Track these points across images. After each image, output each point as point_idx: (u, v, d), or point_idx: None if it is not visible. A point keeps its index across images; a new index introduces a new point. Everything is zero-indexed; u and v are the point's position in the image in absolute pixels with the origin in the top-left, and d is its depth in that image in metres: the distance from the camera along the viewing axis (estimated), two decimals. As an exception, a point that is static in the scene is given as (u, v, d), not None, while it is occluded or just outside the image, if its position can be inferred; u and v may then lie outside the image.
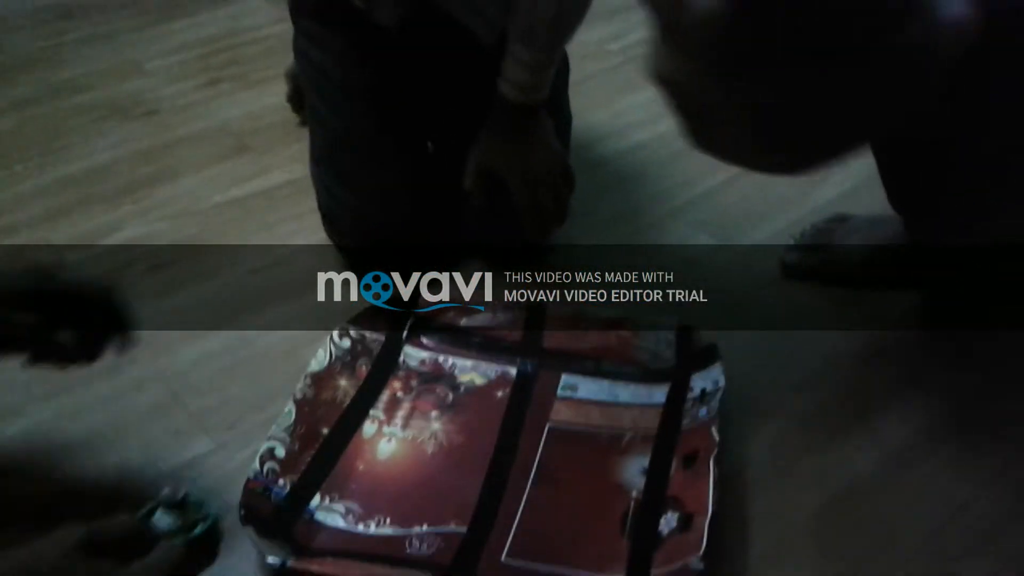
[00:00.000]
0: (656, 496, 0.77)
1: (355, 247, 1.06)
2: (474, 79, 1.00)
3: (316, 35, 1.06)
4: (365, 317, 0.94)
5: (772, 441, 0.86)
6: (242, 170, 1.27)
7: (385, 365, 0.92)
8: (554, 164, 1.01)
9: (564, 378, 0.91)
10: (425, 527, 0.76)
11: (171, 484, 0.67)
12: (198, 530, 0.68)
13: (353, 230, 1.05)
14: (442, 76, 1.05)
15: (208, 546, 0.69)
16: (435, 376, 0.92)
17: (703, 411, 0.82)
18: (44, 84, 1.52)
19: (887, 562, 0.75)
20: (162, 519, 0.66)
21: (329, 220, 1.08)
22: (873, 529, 0.78)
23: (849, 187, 1.20)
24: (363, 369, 0.91)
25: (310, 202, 1.11)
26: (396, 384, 0.91)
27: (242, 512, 0.72)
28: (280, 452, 0.80)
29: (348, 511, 0.77)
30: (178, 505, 0.67)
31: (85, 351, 0.62)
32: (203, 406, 0.89)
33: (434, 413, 0.87)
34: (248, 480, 0.76)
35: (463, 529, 0.76)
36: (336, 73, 1.04)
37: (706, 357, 0.87)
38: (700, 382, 0.86)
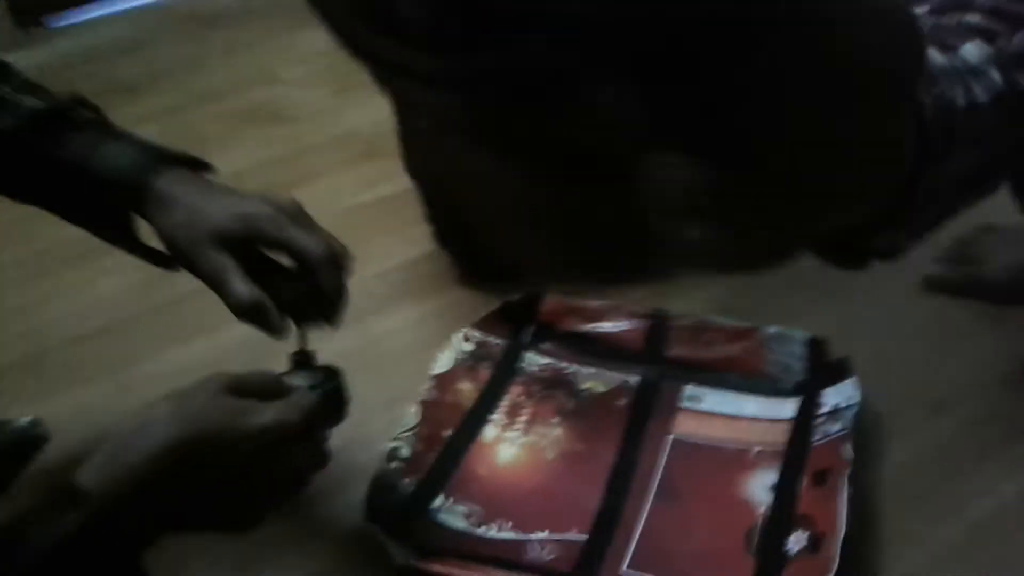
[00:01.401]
0: (784, 513, 0.75)
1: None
2: None
3: None
4: (488, 321, 0.95)
5: (909, 463, 0.82)
6: (371, 175, 1.30)
7: (506, 370, 0.93)
8: None
9: (688, 389, 0.89)
10: (546, 533, 0.76)
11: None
12: (330, 386, 0.69)
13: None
14: None
15: (338, 403, 0.70)
16: (556, 382, 0.91)
17: (836, 427, 0.79)
18: (187, 91, 1.59)
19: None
20: (297, 376, 0.68)
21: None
22: (1018, 564, 0.74)
23: (996, 196, 1.13)
24: (485, 373, 0.91)
25: (434, 207, 1.13)
26: (517, 389, 0.91)
27: (368, 508, 0.73)
28: (405, 452, 0.81)
29: (470, 513, 0.78)
30: (307, 365, 0.69)
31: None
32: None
33: (555, 419, 0.87)
34: (375, 477, 0.77)
35: (584, 537, 0.75)
36: None
37: (839, 371, 0.84)
38: (833, 397, 0.83)
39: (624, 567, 0.73)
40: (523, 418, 0.87)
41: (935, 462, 0.82)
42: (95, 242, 0.73)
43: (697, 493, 0.79)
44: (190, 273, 0.68)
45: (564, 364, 0.93)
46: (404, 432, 0.82)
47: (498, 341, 0.94)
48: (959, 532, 0.76)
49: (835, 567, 0.66)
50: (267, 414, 0.55)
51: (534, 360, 0.93)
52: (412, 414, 0.84)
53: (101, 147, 0.68)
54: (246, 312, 0.65)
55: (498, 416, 0.88)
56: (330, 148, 1.39)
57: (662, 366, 0.91)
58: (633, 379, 0.90)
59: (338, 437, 0.86)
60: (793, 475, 0.77)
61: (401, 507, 0.77)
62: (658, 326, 0.94)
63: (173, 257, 0.68)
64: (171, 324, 1.03)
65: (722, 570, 0.72)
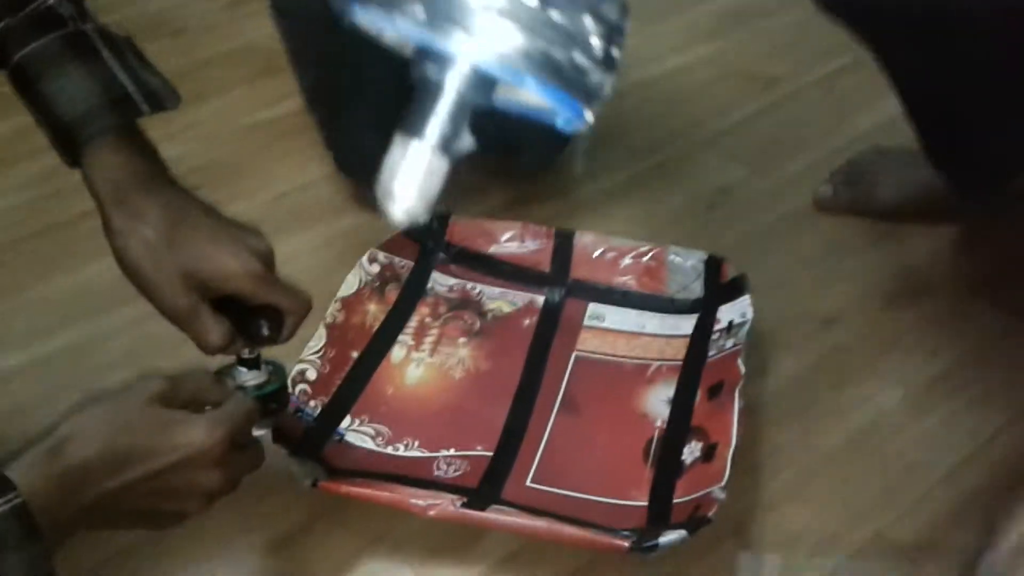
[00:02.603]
0: (680, 425, 0.78)
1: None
2: None
3: None
4: (395, 243, 0.94)
5: (797, 374, 0.86)
6: (271, 92, 1.26)
7: (414, 291, 0.93)
8: None
9: (591, 307, 0.91)
10: (452, 450, 0.77)
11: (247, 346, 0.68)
12: (269, 388, 0.69)
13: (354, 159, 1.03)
14: None
15: (280, 400, 0.70)
16: (463, 303, 0.92)
17: (730, 342, 0.82)
18: (72, 0, 1.50)
19: (909, 496, 0.76)
20: (237, 375, 0.68)
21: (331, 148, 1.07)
22: (895, 464, 0.79)
23: (887, 117, 1.17)
24: (392, 294, 0.91)
25: (339, 125, 1.10)
26: (424, 310, 0.91)
27: (274, 430, 0.74)
28: (311, 375, 0.81)
29: (378, 433, 0.79)
30: (252, 363, 0.68)
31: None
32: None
33: (462, 339, 0.88)
34: None
35: (489, 453, 0.77)
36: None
37: (734, 289, 0.87)
38: (728, 314, 0.86)
39: (528, 481, 0.75)
40: (430, 338, 0.88)
41: (820, 374, 0.86)
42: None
43: (599, 408, 0.81)
44: (141, 294, 0.63)
45: (471, 285, 0.93)
46: (310, 355, 0.82)
47: (405, 262, 0.94)
48: (840, 438, 0.81)
49: (727, 475, 0.69)
50: (196, 431, 0.55)
51: (442, 281, 0.94)
52: (318, 336, 0.84)
53: (50, 70, 0.61)
54: (214, 352, 0.64)
55: (405, 337, 0.88)
56: (226, 63, 1.33)
57: (567, 286, 0.93)
58: (539, 299, 0.91)
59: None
60: (689, 389, 0.81)
61: (306, 429, 0.77)
62: (563, 247, 0.95)
63: (123, 271, 0.63)
64: (61, 247, 0.99)
65: (621, 481, 0.75)
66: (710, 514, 0.67)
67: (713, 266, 0.91)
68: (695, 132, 1.17)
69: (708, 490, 0.69)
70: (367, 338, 0.86)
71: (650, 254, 0.93)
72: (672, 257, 0.92)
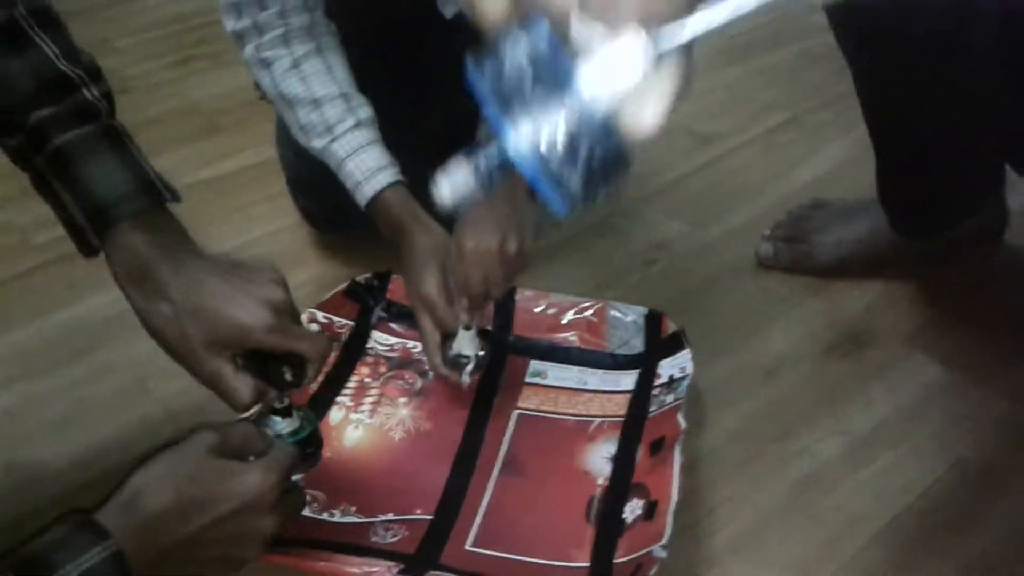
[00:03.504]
0: (622, 482, 0.77)
1: (319, 211, 1.05)
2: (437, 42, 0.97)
3: None
4: (333, 302, 0.94)
5: (738, 427, 0.86)
6: (213, 151, 1.26)
7: (353, 351, 0.92)
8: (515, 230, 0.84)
9: (533, 364, 0.91)
10: (391, 515, 0.76)
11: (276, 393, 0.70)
12: (304, 433, 0.70)
13: (316, 194, 1.03)
14: (406, 43, 1.03)
15: (315, 447, 0.71)
16: (404, 362, 0.91)
17: (670, 397, 0.83)
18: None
19: (850, 547, 0.76)
20: (272, 424, 0.69)
21: (294, 183, 1.08)
22: (836, 516, 0.79)
23: (825, 171, 1.20)
24: (331, 355, 0.90)
25: (281, 184, 1.10)
26: (364, 370, 0.90)
27: None
28: None
29: (313, 499, 0.77)
30: (285, 411, 0.70)
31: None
32: (170, 391, 0.88)
33: (402, 400, 0.87)
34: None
35: (429, 516, 0.76)
36: None
37: (674, 344, 0.88)
38: (668, 369, 0.86)
39: (468, 544, 0.74)
40: (370, 399, 0.87)
41: (761, 427, 0.86)
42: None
43: (541, 466, 0.81)
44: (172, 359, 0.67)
45: (412, 344, 0.93)
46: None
47: (344, 322, 0.94)
48: (781, 491, 0.81)
49: (668, 533, 0.69)
50: (253, 478, 0.59)
51: (382, 340, 0.93)
52: None
53: (89, 157, 0.65)
54: (247, 410, 0.67)
55: (344, 398, 0.87)
56: (171, 122, 1.33)
57: (508, 343, 0.92)
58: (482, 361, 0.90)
59: (179, 426, 0.84)
60: (631, 445, 0.80)
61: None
62: (505, 303, 0.95)
63: (155, 340, 0.66)
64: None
65: (563, 541, 0.74)
66: (651, 573, 0.66)
67: (653, 321, 0.92)
68: (634, 189, 1.19)
69: (649, 549, 0.68)
70: (305, 399, 0.85)
71: (591, 310, 0.94)
72: (612, 312, 0.93)
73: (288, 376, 0.69)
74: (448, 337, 0.84)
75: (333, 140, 0.88)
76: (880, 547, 0.76)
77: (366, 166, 0.87)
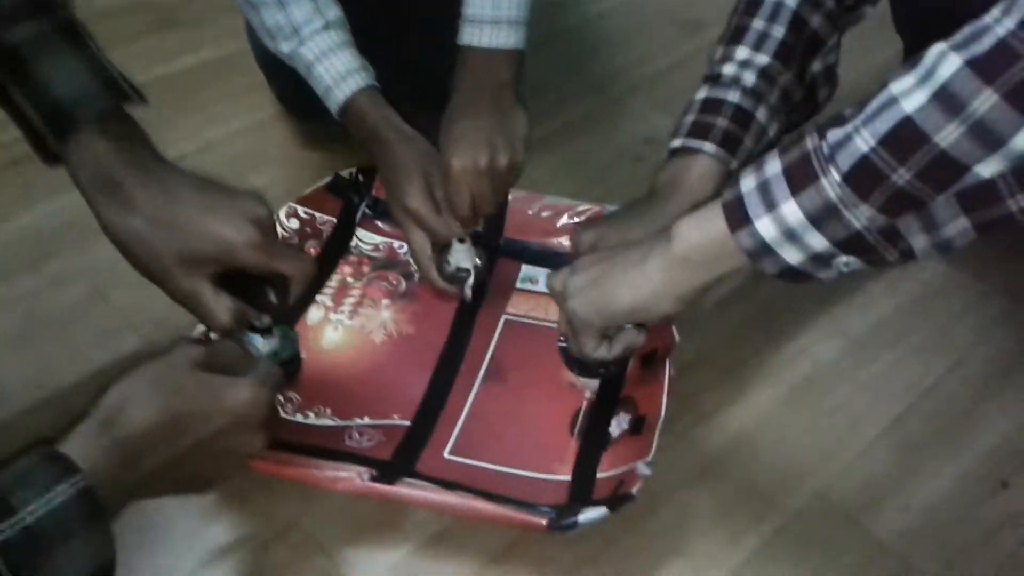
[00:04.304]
0: (610, 395, 0.74)
1: (295, 93, 0.97)
2: None
3: None
4: (315, 197, 0.89)
5: (733, 330, 0.82)
6: (169, 46, 1.17)
7: (336, 249, 0.88)
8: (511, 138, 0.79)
9: (524, 269, 0.86)
10: (367, 419, 0.73)
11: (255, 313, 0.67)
12: (285, 353, 0.69)
13: (291, 73, 0.97)
14: None
15: (294, 367, 0.70)
16: (389, 263, 0.87)
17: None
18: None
19: (851, 450, 0.74)
20: (253, 342, 0.67)
21: (266, 64, 1.00)
22: (836, 418, 0.76)
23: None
24: (312, 252, 0.86)
25: (244, 79, 1.04)
26: (347, 269, 0.86)
27: None
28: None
29: (287, 400, 0.74)
30: (266, 331, 0.67)
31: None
32: (130, 302, 0.83)
33: (385, 301, 0.83)
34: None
35: (406, 423, 0.73)
36: None
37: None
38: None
39: (446, 452, 0.71)
40: (351, 300, 0.83)
41: (758, 329, 0.83)
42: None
43: (526, 376, 0.77)
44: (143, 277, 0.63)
45: (399, 244, 0.88)
46: None
47: (327, 218, 0.89)
48: (780, 393, 0.78)
49: (653, 449, 0.66)
50: (243, 393, 0.56)
51: (367, 239, 0.88)
52: None
53: (45, 54, 0.59)
54: (226, 332, 0.64)
55: (324, 298, 0.83)
56: (121, 15, 1.23)
57: (499, 245, 0.88)
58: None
59: (141, 338, 0.81)
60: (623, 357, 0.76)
61: None
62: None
63: (126, 257, 0.62)
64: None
65: (544, 454, 0.71)
66: (634, 490, 0.63)
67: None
68: (620, 80, 1.12)
69: (633, 465, 0.66)
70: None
71: (587, 214, 0.88)
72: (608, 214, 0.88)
73: (272, 297, 0.66)
74: (441, 248, 0.80)
75: (301, 43, 0.81)
76: (882, 448, 0.74)
77: (336, 70, 0.81)
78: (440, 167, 0.78)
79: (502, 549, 0.66)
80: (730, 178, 0.74)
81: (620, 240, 0.69)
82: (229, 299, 0.63)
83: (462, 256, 0.80)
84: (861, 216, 0.53)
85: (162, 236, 0.60)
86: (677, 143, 0.74)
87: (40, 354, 0.80)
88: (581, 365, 0.74)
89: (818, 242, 0.55)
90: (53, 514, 0.47)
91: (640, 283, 0.63)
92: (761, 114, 0.73)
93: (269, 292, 0.66)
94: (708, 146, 0.72)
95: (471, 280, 0.81)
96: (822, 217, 0.54)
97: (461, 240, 0.80)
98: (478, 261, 0.81)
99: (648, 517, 0.68)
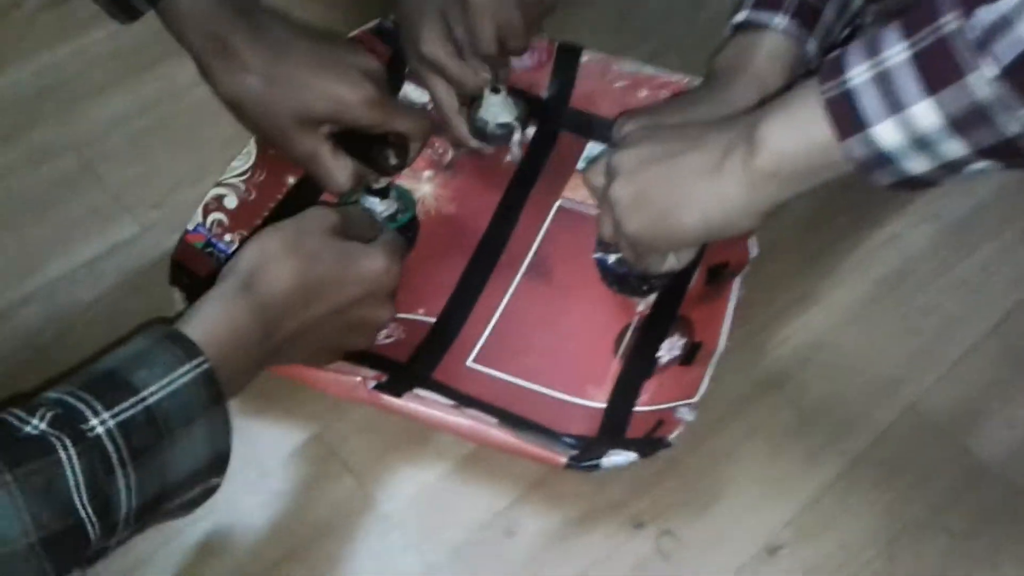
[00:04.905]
0: (665, 311, 0.65)
1: None
2: None
3: None
4: (365, 39, 0.76)
5: (811, 214, 0.72)
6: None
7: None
8: None
9: (590, 146, 0.75)
10: (392, 309, 0.66)
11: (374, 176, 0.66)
12: (405, 217, 0.66)
13: None
14: None
15: (413, 231, 0.67)
16: (435, 126, 0.74)
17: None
18: None
19: (945, 358, 0.66)
20: (371, 205, 0.65)
21: None
22: (928, 320, 0.68)
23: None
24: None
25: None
26: (388, 130, 0.75)
27: (173, 269, 0.62)
28: (231, 202, 0.67)
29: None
30: (383, 193, 0.65)
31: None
32: (123, 179, 0.74)
33: (427, 173, 0.74)
34: (186, 232, 0.65)
35: (431, 319, 0.66)
36: None
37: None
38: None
39: (470, 360, 0.64)
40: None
41: (839, 212, 0.73)
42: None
43: (573, 276, 0.68)
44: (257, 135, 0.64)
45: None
46: (232, 177, 0.68)
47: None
48: (864, 290, 0.69)
49: (702, 389, 0.58)
50: (376, 263, 0.56)
51: (415, 96, 0.76)
52: (246, 154, 0.68)
53: None
54: (345, 192, 0.64)
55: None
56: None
57: (564, 116, 0.76)
58: (528, 129, 0.75)
59: (136, 221, 0.72)
60: (685, 269, 0.65)
61: (216, 269, 0.60)
62: (567, 65, 0.77)
63: (241, 119, 0.63)
64: None
65: (580, 373, 0.63)
66: (671, 436, 0.56)
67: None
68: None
69: (676, 404, 0.58)
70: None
71: (671, 88, 0.75)
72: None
73: (392, 159, 0.65)
74: (472, 102, 0.70)
75: None
76: (983, 355, 0.66)
77: None
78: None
79: (546, 470, 0.59)
80: (813, 61, 0.63)
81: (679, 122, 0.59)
82: (349, 159, 0.62)
83: (498, 109, 0.70)
84: (1022, 118, 0.42)
85: (277, 96, 0.60)
86: (741, 17, 0.63)
87: (21, 240, 0.71)
88: (621, 280, 0.65)
89: (957, 149, 0.44)
90: (175, 396, 0.45)
91: (712, 202, 0.53)
92: None
93: (390, 154, 0.65)
94: (779, 19, 0.61)
95: (517, 136, 0.71)
96: (968, 122, 0.42)
97: (495, 90, 0.70)
98: (518, 114, 0.71)
99: (712, 434, 0.61)
